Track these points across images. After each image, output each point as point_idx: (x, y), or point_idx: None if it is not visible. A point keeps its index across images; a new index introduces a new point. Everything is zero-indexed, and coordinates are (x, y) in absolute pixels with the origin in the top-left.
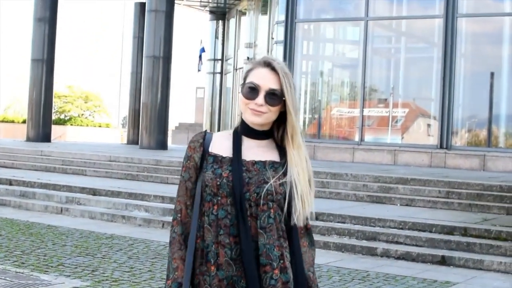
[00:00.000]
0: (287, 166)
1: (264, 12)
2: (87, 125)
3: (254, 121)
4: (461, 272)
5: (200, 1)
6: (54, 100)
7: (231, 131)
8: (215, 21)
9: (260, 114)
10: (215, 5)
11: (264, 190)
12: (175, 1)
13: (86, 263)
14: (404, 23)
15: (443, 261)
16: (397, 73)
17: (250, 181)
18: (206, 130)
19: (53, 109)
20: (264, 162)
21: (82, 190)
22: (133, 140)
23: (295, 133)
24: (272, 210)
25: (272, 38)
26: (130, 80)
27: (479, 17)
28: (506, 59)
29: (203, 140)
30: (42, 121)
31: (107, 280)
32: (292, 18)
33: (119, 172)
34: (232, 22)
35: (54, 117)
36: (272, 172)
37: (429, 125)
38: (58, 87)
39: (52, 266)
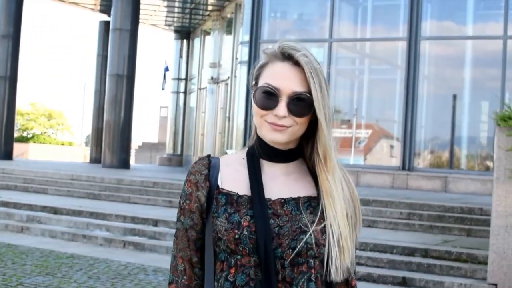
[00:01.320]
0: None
1: (228, 32)
2: (50, 143)
3: (275, 139)
4: None
5: (165, 21)
6: (16, 117)
7: (244, 153)
8: (179, 40)
9: (283, 130)
10: (179, 24)
11: (302, 243)
12: (140, 20)
13: (46, 282)
14: (368, 45)
15: (404, 283)
16: (361, 95)
17: (281, 231)
18: (209, 155)
19: (15, 126)
20: (297, 200)
21: (43, 208)
22: (96, 159)
23: (329, 153)
24: (313, 271)
25: (236, 58)
26: (93, 98)
27: (441, 40)
28: (468, 82)
29: (208, 170)
30: (4, 138)
31: None
32: (256, 39)
33: (81, 191)
34: (197, 41)
35: (16, 134)
36: (309, 214)
37: (392, 147)
38: (21, 104)
39: (11, 286)
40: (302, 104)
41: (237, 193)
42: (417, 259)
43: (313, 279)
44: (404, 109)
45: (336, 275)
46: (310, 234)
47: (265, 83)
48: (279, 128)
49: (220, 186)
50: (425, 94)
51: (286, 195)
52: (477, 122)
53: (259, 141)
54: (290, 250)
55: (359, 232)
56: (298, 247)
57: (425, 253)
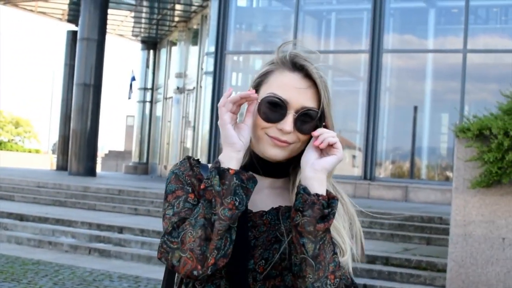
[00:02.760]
0: None
1: (194, 43)
2: (17, 151)
3: (275, 155)
4: None
5: (132, 31)
6: None
7: None
8: (146, 51)
9: (285, 146)
10: (146, 35)
11: (277, 254)
12: (107, 30)
13: None
14: (331, 57)
15: None
16: None
17: (257, 243)
18: (199, 159)
19: None
20: (277, 210)
21: (9, 215)
22: (62, 166)
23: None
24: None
25: (202, 69)
26: (60, 107)
27: (403, 53)
28: (429, 94)
29: (192, 172)
30: None
31: None
32: (222, 50)
33: (47, 198)
34: (163, 52)
35: None
36: (289, 224)
37: (354, 157)
38: None
39: None
40: (309, 121)
41: None
42: (378, 267)
43: None
44: (366, 120)
45: None
46: (286, 244)
47: (271, 93)
48: (281, 144)
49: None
50: (387, 106)
51: (267, 207)
52: (437, 133)
53: (252, 154)
54: (263, 261)
55: (357, 248)
56: (271, 258)
57: (386, 261)
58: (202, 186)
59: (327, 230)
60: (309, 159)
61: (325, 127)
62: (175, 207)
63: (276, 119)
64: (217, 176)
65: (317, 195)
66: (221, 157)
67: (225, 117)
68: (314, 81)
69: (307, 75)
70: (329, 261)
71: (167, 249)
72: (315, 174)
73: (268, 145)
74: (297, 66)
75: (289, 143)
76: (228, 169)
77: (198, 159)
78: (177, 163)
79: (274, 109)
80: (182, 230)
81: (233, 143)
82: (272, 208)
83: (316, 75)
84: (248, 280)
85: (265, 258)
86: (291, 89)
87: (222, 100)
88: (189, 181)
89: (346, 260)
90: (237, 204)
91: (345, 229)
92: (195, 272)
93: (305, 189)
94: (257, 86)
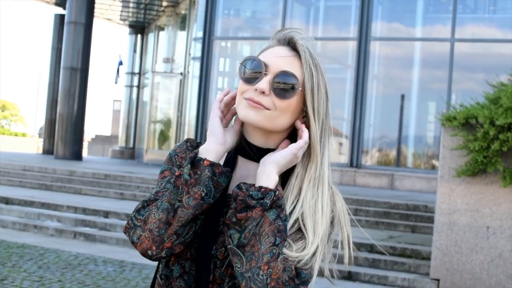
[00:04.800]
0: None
1: (182, 28)
2: (3, 134)
3: (248, 116)
4: (366, 287)
5: (120, 15)
6: None
7: None
8: (134, 35)
9: (258, 108)
10: (134, 19)
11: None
12: (95, 14)
13: None
14: (319, 44)
15: (349, 277)
16: None
17: (224, 229)
18: (196, 141)
19: None
20: None
21: None
22: (49, 150)
23: (315, 157)
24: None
25: (189, 54)
26: (47, 90)
27: (391, 41)
28: (416, 83)
29: (186, 154)
30: None
31: None
32: (209, 35)
33: (33, 182)
34: (151, 36)
35: None
36: None
37: (341, 144)
38: None
39: None
40: (287, 89)
41: None
42: (362, 254)
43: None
44: (353, 108)
45: None
46: None
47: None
48: (254, 104)
49: None
50: (374, 94)
51: None
52: (424, 122)
53: (242, 138)
54: (223, 249)
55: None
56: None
57: (371, 248)
58: (177, 173)
59: (254, 220)
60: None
61: (307, 111)
62: (158, 187)
63: (253, 81)
64: (189, 166)
65: (257, 187)
66: (201, 148)
67: (216, 110)
68: (299, 54)
69: (295, 49)
70: (264, 252)
71: (131, 225)
72: (264, 168)
73: (243, 107)
74: (287, 41)
75: (264, 106)
76: (204, 160)
77: (199, 142)
78: (176, 144)
79: (253, 71)
80: (148, 210)
81: (216, 135)
82: None
83: (302, 50)
84: (210, 266)
85: (225, 246)
86: (274, 56)
87: (219, 96)
88: (178, 163)
89: (304, 255)
90: (203, 195)
91: (317, 228)
92: (149, 252)
93: (239, 185)
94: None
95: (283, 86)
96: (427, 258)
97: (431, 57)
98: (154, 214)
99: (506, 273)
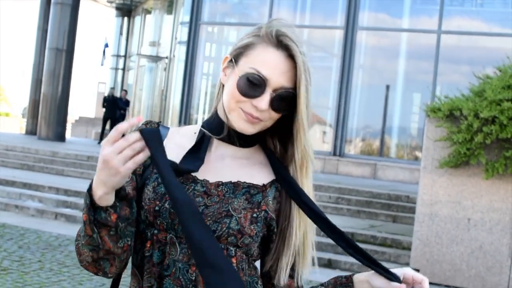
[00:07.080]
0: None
1: (169, 12)
2: None
3: (245, 130)
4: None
5: None
6: None
7: (197, 128)
8: (120, 18)
9: (256, 123)
10: (121, 2)
11: (224, 228)
12: None
13: None
14: (306, 32)
15: (329, 264)
16: None
17: (206, 211)
18: (160, 122)
19: None
20: (236, 185)
21: None
22: (32, 131)
23: (307, 162)
24: (234, 260)
25: (176, 38)
26: (32, 71)
27: (378, 31)
28: (401, 73)
29: None
30: None
31: None
32: (196, 20)
33: (15, 162)
34: (138, 19)
35: None
36: (243, 200)
37: (324, 133)
38: None
39: None
40: (284, 102)
41: (176, 164)
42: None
43: None
44: (338, 97)
45: (279, 280)
46: (236, 220)
47: (254, 69)
48: (253, 120)
49: None
50: (360, 83)
51: (225, 178)
52: (409, 113)
53: (216, 118)
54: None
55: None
56: (219, 230)
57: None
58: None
59: None
60: None
61: (297, 111)
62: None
63: (253, 95)
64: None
65: None
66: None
67: (109, 149)
68: (296, 62)
69: (291, 55)
70: None
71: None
72: None
73: (241, 119)
74: (282, 45)
75: (261, 121)
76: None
77: (158, 122)
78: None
79: (253, 85)
80: (77, 239)
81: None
82: (231, 182)
83: (299, 58)
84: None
85: (212, 230)
86: (273, 68)
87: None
88: None
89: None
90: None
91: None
92: (105, 276)
93: None
94: (236, 57)
95: (281, 102)
96: (408, 248)
97: (417, 49)
98: (82, 247)
99: (485, 265)
